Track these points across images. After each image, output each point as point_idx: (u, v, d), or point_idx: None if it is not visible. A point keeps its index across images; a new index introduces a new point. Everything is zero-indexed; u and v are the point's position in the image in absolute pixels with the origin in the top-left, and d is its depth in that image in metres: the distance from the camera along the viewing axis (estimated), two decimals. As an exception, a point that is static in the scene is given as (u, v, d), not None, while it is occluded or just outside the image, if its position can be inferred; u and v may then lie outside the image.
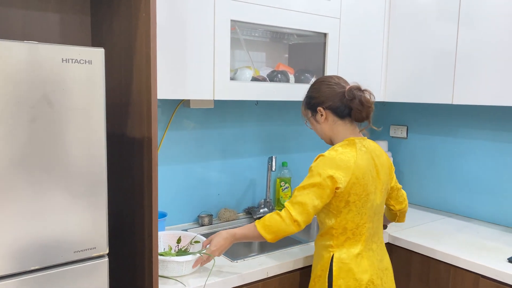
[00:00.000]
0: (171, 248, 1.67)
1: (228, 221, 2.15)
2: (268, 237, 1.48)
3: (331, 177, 1.44)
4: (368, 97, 1.51)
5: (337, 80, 1.56)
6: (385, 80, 2.31)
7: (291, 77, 2.08)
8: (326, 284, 1.51)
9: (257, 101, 2.26)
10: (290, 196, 1.66)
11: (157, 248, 1.42)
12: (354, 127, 1.57)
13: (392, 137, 2.64)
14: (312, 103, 1.58)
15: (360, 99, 1.49)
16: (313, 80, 2.12)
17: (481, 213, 2.26)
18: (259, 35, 2.20)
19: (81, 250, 1.17)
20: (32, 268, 1.10)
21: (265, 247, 2.02)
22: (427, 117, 2.47)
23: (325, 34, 2.08)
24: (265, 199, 2.25)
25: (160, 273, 1.49)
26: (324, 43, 2.10)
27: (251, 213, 2.23)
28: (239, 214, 2.25)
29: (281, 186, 2.33)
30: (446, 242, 1.93)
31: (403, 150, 2.60)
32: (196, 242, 1.67)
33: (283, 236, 1.48)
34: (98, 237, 1.20)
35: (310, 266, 1.77)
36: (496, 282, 1.65)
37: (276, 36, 2.25)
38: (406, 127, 2.56)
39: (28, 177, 1.09)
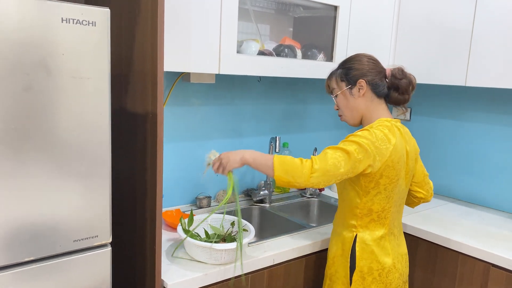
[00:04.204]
0: (215, 233, 1.53)
1: (227, 203, 2.03)
2: (277, 174, 1.33)
3: (368, 155, 1.35)
4: (414, 81, 1.48)
5: (376, 58, 1.52)
6: (393, 59, 2.21)
7: (298, 52, 1.95)
8: (348, 263, 1.47)
9: (260, 77, 2.12)
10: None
11: (161, 234, 1.30)
12: (387, 109, 1.52)
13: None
14: (352, 74, 1.48)
15: (410, 80, 1.46)
16: (321, 56, 2.00)
17: (484, 199, 2.21)
18: (264, 6, 2.05)
19: (82, 239, 1.03)
20: (26, 259, 0.96)
21: (267, 233, 1.93)
22: (432, 99, 2.39)
23: (335, 7, 1.95)
24: (265, 181, 2.14)
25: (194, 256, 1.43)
26: (334, 17, 1.97)
27: (251, 195, 2.12)
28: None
29: (281, 167, 2.22)
30: (452, 228, 1.87)
31: (405, 133, 2.51)
32: (245, 230, 1.55)
33: (292, 184, 1.35)
34: (100, 224, 1.06)
35: (317, 252, 1.69)
36: (508, 271, 1.61)
37: (282, 8, 2.10)
38: (409, 109, 2.48)
39: (20, 155, 0.94)
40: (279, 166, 1.34)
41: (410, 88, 1.47)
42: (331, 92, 1.56)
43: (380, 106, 1.49)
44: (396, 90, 1.47)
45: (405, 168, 1.47)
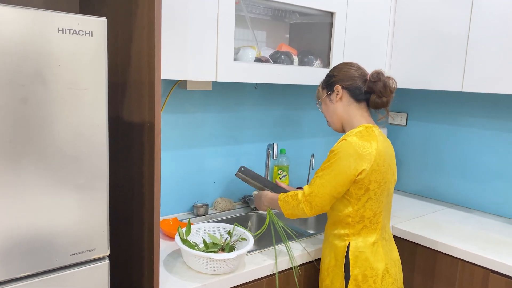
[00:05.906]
0: (213, 243, 1.52)
1: (224, 210, 2.02)
2: (285, 213, 1.54)
3: (354, 165, 1.40)
4: (392, 84, 1.48)
5: (360, 66, 1.55)
6: (389, 65, 2.21)
7: (295, 59, 1.94)
8: (342, 273, 1.47)
9: (256, 84, 2.11)
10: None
11: (159, 245, 1.28)
12: (369, 114, 1.54)
13: (391, 124, 2.55)
14: (331, 81, 1.54)
15: (384, 83, 1.47)
16: (317, 62, 2.00)
17: (482, 204, 2.22)
18: (260, 12, 2.04)
19: (79, 252, 1.01)
20: (22, 274, 0.94)
21: (264, 241, 1.91)
22: (428, 104, 2.39)
23: (332, 13, 1.95)
24: (262, 188, 2.12)
25: (196, 268, 1.43)
26: (331, 23, 1.97)
27: (248, 202, 2.11)
28: (235, 203, 2.12)
29: (278, 174, 2.21)
30: (451, 234, 1.87)
31: (402, 138, 2.52)
32: (243, 239, 1.55)
33: (298, 217, 1.53)
34: (98, 237, 1.04)
35: (316, 260, 1.68)
36: (508, 277, 1.61)
37: (278, 14, 2.09)
38: (406, 114, 2.48)
39: (15, 167, 0.92)
40: (283, 208, 1.53)
41: (388, 91, 1.47)
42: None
43: (359, 111, 1.51)
44: (373, 93, 1.48)
45: (391, 171, 1.50)
